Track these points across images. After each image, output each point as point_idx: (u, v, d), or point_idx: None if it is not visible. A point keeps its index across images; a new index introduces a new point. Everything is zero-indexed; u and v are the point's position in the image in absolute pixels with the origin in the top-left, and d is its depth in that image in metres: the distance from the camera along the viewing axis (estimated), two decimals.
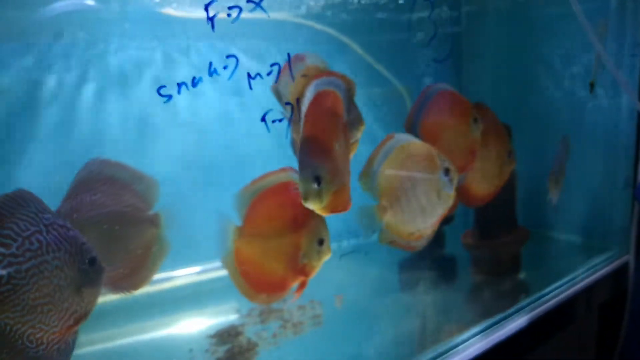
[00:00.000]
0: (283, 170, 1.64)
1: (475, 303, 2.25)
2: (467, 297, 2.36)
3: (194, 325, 2.18)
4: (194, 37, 2.44)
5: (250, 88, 1.37)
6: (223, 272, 2.46)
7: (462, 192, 2.23)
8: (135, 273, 1.74)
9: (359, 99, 2.81)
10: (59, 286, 1.32)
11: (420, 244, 1.96)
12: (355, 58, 2.64)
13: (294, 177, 1.63)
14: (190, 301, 2.36)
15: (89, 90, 2.27)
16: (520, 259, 2.60)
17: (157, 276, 2.45)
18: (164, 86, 1.19)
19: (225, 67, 1.32)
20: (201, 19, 2.35)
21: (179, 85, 1.21)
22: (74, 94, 2.24)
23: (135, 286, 1.75)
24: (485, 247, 2.54)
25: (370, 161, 1.87)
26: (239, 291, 1.60)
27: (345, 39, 2.44)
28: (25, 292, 1.27)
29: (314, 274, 1.63)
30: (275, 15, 2.43)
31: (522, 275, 2.59)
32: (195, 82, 1.22)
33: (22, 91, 2.10)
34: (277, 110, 1.58)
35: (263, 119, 1.35)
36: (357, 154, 1.77)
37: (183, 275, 2.51)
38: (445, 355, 1.84)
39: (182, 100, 1.67)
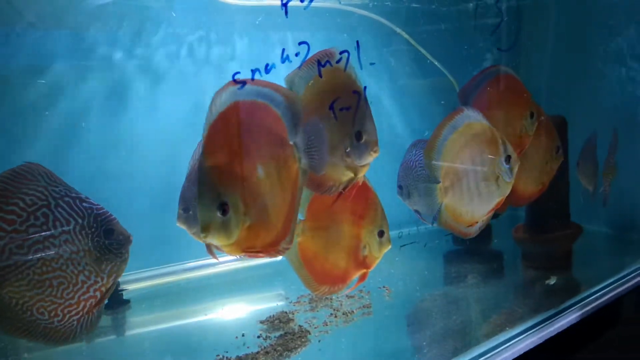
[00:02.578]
0: None
1: (525, 298, 2.22)
2: (517, 292, 2.33)
3: (242, 310, 2.21)
4: (241, 25, 2.44)
5: (320, 76, 1.36)
6: (267, 259, 2.51)
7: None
8: None
9: (407, 90, 2.79)
10: (71, 260, 1.32)
11: (474, 230, 1.94)
12: (404, 48, 2.61)
13: None
14: (236, 287, 2.39)
15: (135, 79, 2.30)
16: (571, 255, 2.55)
17: (203, 262, 2.52)
18: (238, 72, 1.18)
19: (297, 54, 1.31)
20: (250, 7, 2.37)
21: (253, 71, 1.20)
22: (120, 82, 2.27)
23: None
24: (537, 241, 2.50)
25: (437, 133, 1.86)
26: (303, 283, 1.62)
27: (397, 28, 2.41)
28: (30, 267, 1.28)
29: (374, 266, 1.63)
30: (322, 3, 2.41)
31: (573, 271, 2.55)
32: (268, 69, 1.22)
33: (71, 78, 2.14)
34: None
35: (331, 107, 1.33)
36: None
37: (228, 260, 2.54)
38: (497, 349, 1.82)
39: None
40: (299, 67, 1.43)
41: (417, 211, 2.21)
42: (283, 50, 1.27)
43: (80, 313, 1.36)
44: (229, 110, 1.19)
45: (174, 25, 2.38)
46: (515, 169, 1.89)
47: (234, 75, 1.18)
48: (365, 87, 1.41)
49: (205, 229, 1.12)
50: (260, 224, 1.19)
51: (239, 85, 1.20)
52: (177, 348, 1.81)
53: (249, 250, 1.20)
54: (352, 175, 1.51)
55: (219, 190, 1.13)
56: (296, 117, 1.31)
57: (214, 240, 1.14)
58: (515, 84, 2.11)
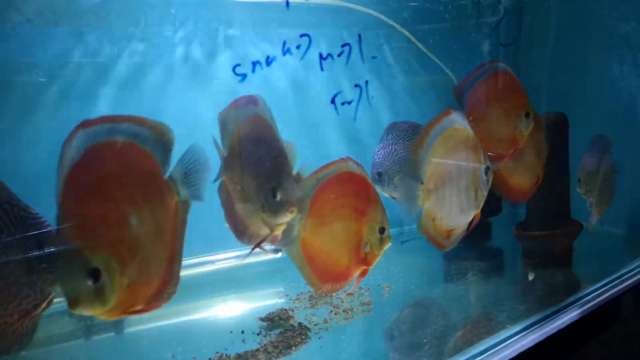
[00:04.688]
0: (342, 160, 1.64)
1: (526, 295, 2.22)
2: (517, 289, 2.32)
3: (242, 307, 2.21)
4: (241, 21, 2.43)
5: (322, 69, 1.35)
6: (267, 256, 2.51)
7: (507, 190, 2.20)
8: None
9: (407, 87, 2.78)
10: (3, 269, 1.25)
11: (449, 242, 1.93)
12: (405, 45, 2.59)
13: (354, 167, 1.62)
14: (235, 284, 2.38)
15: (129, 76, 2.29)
16: (572, 253, 2.55)
17: (202, 259, 2.51)
18: (239, 65, 1.17)
19: (298, 47, 1.30)
20: (250, 3, 2.36)
21: (254, 64, 1.19)
22: (116, 80, 2.25)
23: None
24: (537, 239, 2.49)
25: (425, 133, 1.83)
26: (306, 281, 1.61)
27: (397, 26, 2.40)
28: None
29: (375, 263, 1.62)
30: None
31: (573, 269, 2.55)
32: (269, 61, 1.21)
33: (66, 76, 2.12)
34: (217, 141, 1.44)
35: (332, 101, 1.32)
36: None
37: (228, 257, 2.53)
38: (498, 347, 1.81)
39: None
40: (231, 106, 1.38)
41: (395, 198, 2.19)
42: (284, 43, 1.26)
43: (15, 325, 1.28)
44: (84, 158, 1.04)
45: (172, 21, 2.36)
46: (490, 183, 1.88)
47: (234, 68, 1.16)
48: (367, 82, 1.40)
49: (74, 302, 0.97)
50: (141, 278, 1.07)
51: (90, 127, 1.06)
52: (176, 345, 1.79)
53: (131, 311, 1.09)
54: (268, 231, 1.45)
55: (86, 255, 0.99)
56: (168, 148, 1.19)
57: (87, 311, 1.01)
58: (511, 82, 2.09)
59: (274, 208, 1.37)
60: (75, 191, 1.02)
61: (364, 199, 1.63)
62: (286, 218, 1.39)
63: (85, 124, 1.06)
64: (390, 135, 2.18)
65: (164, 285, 1.15)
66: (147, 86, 2.31)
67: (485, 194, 1.89)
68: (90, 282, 0.98)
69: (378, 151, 2.19)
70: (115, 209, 1.06)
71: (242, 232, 1.46)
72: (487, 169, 1.87)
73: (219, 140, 1.41)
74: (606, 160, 2.44)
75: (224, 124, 1.41)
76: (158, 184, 1.17)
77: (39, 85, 2.03)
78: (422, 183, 1.81)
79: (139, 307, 1.11)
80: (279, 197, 1.36)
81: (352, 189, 1.62)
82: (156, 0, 2.33)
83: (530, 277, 2.26)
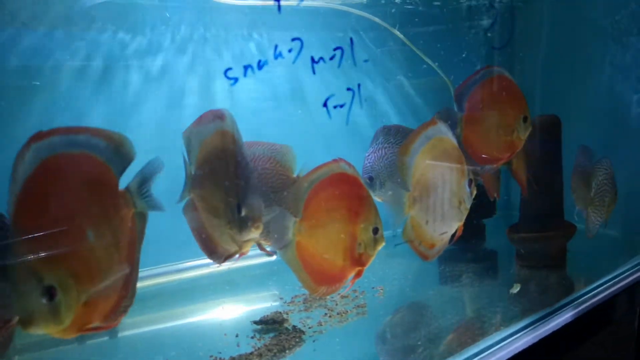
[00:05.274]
0: (334, 161, 1.64)
1: (520, 297, 2.22)
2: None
3: (236, 310, 2.20)
4: (236, 25, 2.43)
5: (314, 72, 1.35)
6: (261, 259, 2.50)
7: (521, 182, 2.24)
8: None
9: (401, 90, 2.78)
10: None
11: (432, 253, 1.94)
12: (399, 48, 2.60)
13: (346, 167, 1.63)
14: (229, 287, 2.38)
15: (128, 79, 2.28)
16: (565, 254, 2.56)
17: (196, 262, 2.51)
18: (230, 68, 1.17)
19: (290, 50, 1.30)
20: (244, 6, 2.36)
21: (245, 67, 1.19)
22: (114, 82, 2.25)
23: None
24: (531, 241, 2.50)
25: (410, 140, 1.83)
26: (301, 284, 1.61)
27: (392, 29, 2.41)
28: None
29: (369, 263, 1.62)
30: (316, 3, 2.40)
31: (567, 270, 2.55)
32: (261, 65, 1.21)
33: (60, 80, 2.12)
34: (184, 158, 1.45)
35: (325, 105, 1.32)
36: None
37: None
38: (491, 349, 1.81)
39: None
40: (196, 122, 1.37)
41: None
42: (276, 46, 1.26)
43: None
44: (37, 172, 1.00)
45: (167, 25, 2.36)
46: (473, 196, 1.89)
47: (226, 72, 1.16)
48: (359, 85, 1.40)
49: (27, 322, 0.94)
50: (98, 295, 1.04)
51: (43, 140, 1.01)
52: (170, 349, 1.79)
53: (88, 329, 1.05)
54: (236, 248, 1.45)
55: (41, 273, 0.96)
56: (126, 159, 1.16)
57: (41, 331, 0.97)
58: (510, 86, 2.10)
59: (240, 224, 1.36)
60: (28, 206, 0.99)
61: (357, 200, 1.63)
62: (252, 234, 1.39)
63: (37, 136, 1.02)
64: (380, 139, 2.18)
65: (121, 299, 1.13)
66: (141, 88, 2.31)
67: (469, 206, 1.90)
68: (44, 301, 0.95)
69: (368, 155, 2.19)
70: (71, 223, 1.03)
71: (211, 250, 1.45)
72: (471, 181, 1.88)
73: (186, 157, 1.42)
74: (603, 164, 2.45)
75: (188, 141, 1.41)
76: (114, 196, 1.15)
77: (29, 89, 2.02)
78: (408, 191, 1.81)
79: (96, 324, 1.08)
80: (244, 213, 1.35)
81: (345, 190, 1.62)
82: (150, 3, 2.33)
83: (515, 289, 2.26)
